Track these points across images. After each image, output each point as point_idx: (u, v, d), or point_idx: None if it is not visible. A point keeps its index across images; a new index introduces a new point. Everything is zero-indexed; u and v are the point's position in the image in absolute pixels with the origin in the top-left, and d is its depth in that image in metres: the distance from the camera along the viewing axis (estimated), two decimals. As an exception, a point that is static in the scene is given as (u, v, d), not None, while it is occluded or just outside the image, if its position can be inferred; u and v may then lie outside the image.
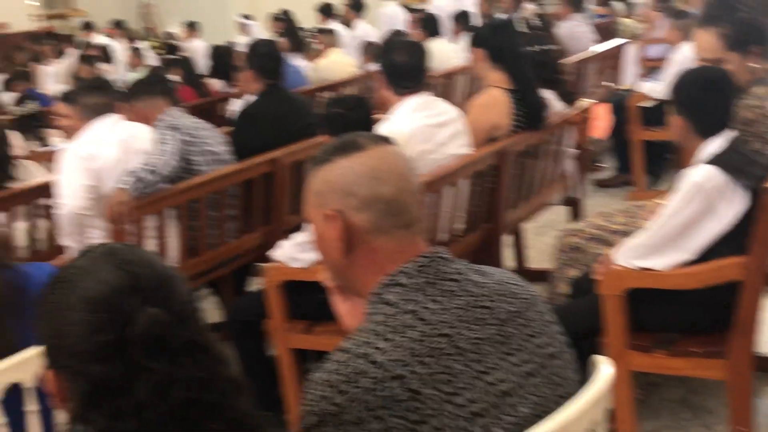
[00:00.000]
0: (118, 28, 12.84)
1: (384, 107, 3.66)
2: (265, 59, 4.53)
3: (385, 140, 1.59)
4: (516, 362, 1.45)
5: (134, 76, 8.03)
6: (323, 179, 1.54)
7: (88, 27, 12.45)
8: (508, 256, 4.50)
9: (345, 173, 1.52)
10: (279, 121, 4.46)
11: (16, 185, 4.33)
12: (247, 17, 11.74)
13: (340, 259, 1.55)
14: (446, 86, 7.35)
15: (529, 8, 9.65)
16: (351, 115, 3.22)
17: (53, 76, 11.20)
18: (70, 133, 4.87)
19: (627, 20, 10.22)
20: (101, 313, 1.24)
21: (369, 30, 10.08)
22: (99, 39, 11.91)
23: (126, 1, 19.20)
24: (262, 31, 11.35)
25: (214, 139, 4.17)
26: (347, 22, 10.25)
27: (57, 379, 1.31)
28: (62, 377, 1.30)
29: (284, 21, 9.81)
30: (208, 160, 4.06)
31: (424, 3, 10.93)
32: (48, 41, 12.43)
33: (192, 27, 12.42)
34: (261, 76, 4.51)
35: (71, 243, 3.79)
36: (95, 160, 3.73)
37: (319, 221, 1.56)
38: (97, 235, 3.72)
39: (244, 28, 11.63)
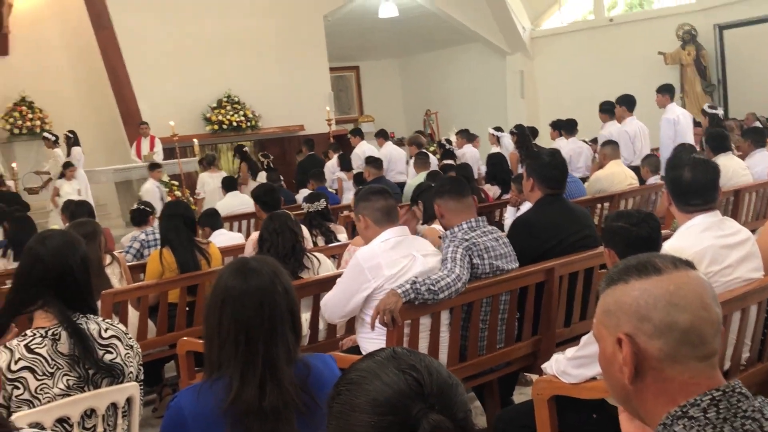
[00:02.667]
0: (380, 135, 13.19)
1: (668, 223, 3.52)
2: (547, 169, 4.53)
3: (686, 264, 1.50)
4: None
5: (418, 180, 8.36)
6: (616, 300, 1.48)
7: (357, 133, 13.14)
8: (800, 393, 4.09)
9: (640, 296, 1.44)
10: (556, 230, 4.43)
11: (304, 277, 4.64)
12: (499, 129, 12.23)
13: (627, 384, 1.47)
14: (735, 204, 6.97)
15: None
16: (635, 231, 3.11)
17: (330, 172, 11.99)
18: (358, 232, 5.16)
19: None
20: (387, 415, 1.26)
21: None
22: (364, 146, 12.58)
23: (412, 107, 20.33)
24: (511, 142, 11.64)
25: (503, 258, 4.12)
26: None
27: None
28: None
29: (517, 135, 10.73)
30: (488, 273, 4.05)
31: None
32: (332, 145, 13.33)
33: (465, 134, 12.89)
34: (542, 185, 4.53)
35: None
36: (379, 271, 3.80)
37: (607, 341, 1.49)
38: (373, 332, 3.81)
39: (496, 140, 12.11)
